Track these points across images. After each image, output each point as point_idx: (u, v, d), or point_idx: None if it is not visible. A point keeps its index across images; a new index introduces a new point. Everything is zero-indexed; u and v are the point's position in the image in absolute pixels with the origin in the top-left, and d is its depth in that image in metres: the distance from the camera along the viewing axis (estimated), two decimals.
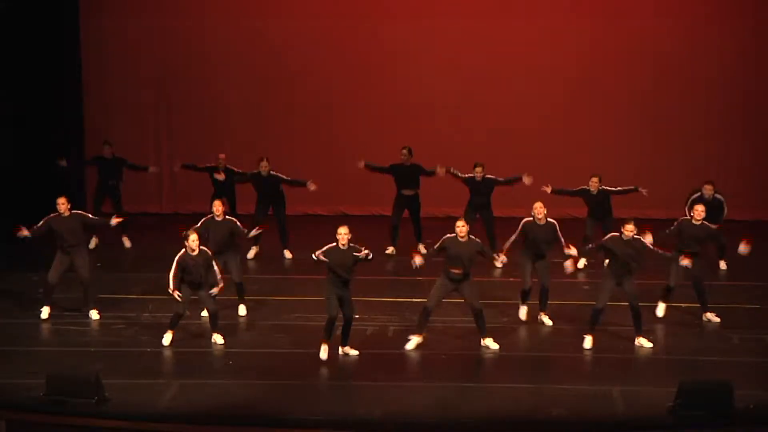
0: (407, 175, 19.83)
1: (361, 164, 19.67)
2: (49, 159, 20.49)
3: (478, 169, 19.36)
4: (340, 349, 15.43)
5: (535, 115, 23.02)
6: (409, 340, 15.61)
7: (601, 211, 19.12)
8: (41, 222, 16.53)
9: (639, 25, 22.78)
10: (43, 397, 13.62)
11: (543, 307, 16.61)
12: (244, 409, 13.62)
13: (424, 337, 15.62)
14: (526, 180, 19.22)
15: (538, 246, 16.40)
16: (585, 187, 19.07)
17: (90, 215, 17.06)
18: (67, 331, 16.29)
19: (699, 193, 18.71)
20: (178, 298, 15.30)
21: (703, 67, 22.99)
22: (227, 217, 16.67)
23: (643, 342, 15.64)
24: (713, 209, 18.20)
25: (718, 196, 18.76)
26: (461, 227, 15.41)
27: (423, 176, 19.83)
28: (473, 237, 15.61)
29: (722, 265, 19.30)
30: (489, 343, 15.61)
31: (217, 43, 23.10)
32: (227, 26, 23.03)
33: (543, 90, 23.00)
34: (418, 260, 15.52)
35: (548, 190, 18.69)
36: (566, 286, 16.85)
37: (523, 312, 16.66)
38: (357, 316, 16.36)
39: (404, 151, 19.79)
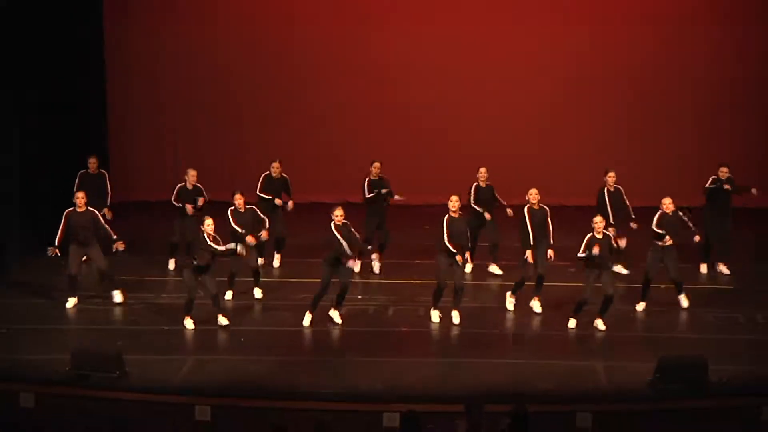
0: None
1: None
2: (72, 154, 20.97)
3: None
4: (331, 311, 16.20)
5: (532, 117, 23.33)
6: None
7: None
8: (62, 222, 16.91)
9: (632, 29, 23.05)
10: (69, 372, 14.15)
11: (537, 292, 16.92)
12: (255, 383, 14.14)
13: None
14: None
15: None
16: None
17: (102, 221, 17.22)
18: (90, 311, 16.80)
19: (715, 177, 18.53)
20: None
21: (697, 68, 23.26)
22: (247, 206, 17.39)
23: (599, 324, 16.19)
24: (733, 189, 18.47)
25: (730, 176, 18.55)
26: (455, 202, 16.31)
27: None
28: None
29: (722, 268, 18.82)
30: (455, 315, 16.47)
31: (230, 45, 23.48)
32: (240, 30, 23.42)
33: (540, 92, 23.27)
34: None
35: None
36: (552, 269, 17.16)
37: (536, 306, 16.84)
38: (360, 297, 17.04)
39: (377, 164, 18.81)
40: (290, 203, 18.85)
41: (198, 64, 23.61)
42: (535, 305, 17.00)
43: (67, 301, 17.07)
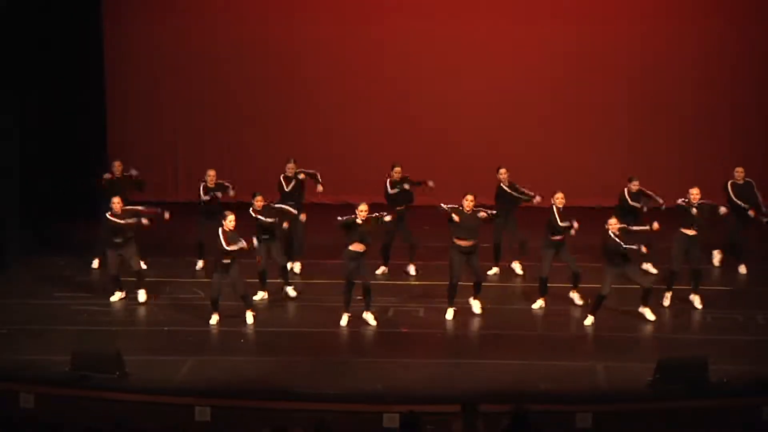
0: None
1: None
2: (72, 154, 21.37)
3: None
4: (364, 314, 16.34)
5: (534, 117, 23.31)
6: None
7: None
8: (108, 224, 17.10)
9: (628, 28, 23.07)
10: (69, 373, 14.26)
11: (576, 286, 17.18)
12: (255, 383, 14.24)
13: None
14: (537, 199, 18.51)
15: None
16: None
17: (139, 207, 17.40)
18: (90, 311, 16.85)
19: (732, 182, 18.72)
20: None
21: (698, 68, 23.23)
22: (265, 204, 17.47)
23: (647, 313, 16.45)
24: (748, 192, 18.61)
25: (749, 179, 18.76)
26: (469, 201, 16.36)
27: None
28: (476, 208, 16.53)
29: (742, 269, 18.88)
30: (473, 303, 16.69)
31: (230, 45, 23.48)
32: (240, 30, 23.44)
33: (541, 92, 23.30)
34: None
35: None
36: (556, 269, 17.21)
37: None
38: (359, 298, 16.80)
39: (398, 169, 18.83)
40: (319, 186, 19.09)
41: (198, 64, 23.62)
42: (576, 297, 17.21)
43: (113, 294, 17.31)
